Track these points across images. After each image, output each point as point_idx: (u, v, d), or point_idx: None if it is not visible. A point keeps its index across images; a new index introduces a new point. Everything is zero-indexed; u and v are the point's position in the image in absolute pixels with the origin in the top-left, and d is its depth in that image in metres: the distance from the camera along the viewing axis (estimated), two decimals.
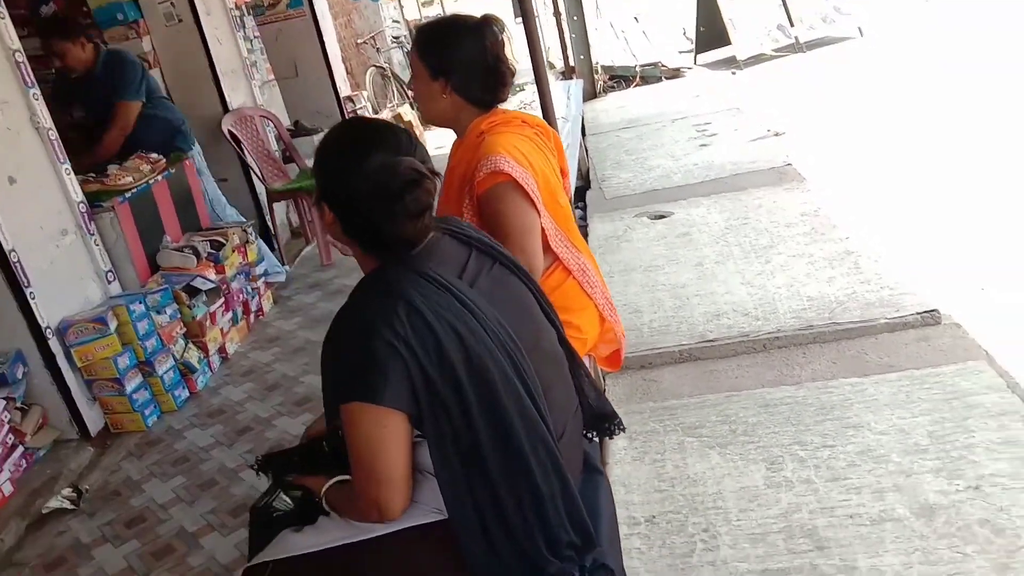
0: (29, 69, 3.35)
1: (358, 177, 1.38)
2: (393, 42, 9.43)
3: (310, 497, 1.57)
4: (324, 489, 1.54)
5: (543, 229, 2.03)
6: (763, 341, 3.07)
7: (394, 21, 9.80)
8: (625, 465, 2.53)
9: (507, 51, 2.09)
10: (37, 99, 3.37)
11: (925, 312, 3.01)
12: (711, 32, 9.13)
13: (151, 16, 4.88)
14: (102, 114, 4.17)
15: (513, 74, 2.10)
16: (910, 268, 3.45)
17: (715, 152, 5.62)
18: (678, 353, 3.11)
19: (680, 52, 9.64)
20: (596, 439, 1.75)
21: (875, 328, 3.02)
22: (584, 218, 4.89)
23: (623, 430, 1.76)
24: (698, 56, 9.45)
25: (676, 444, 2.59)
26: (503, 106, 2.13)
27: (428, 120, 2.20)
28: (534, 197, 1.95)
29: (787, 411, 2.65)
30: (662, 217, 4.59)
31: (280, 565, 1.50)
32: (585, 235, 4.42)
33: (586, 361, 1.99)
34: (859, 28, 9.03)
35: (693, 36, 9.59)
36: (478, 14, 2.10)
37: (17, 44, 3.32)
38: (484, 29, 2.03)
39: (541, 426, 1.39)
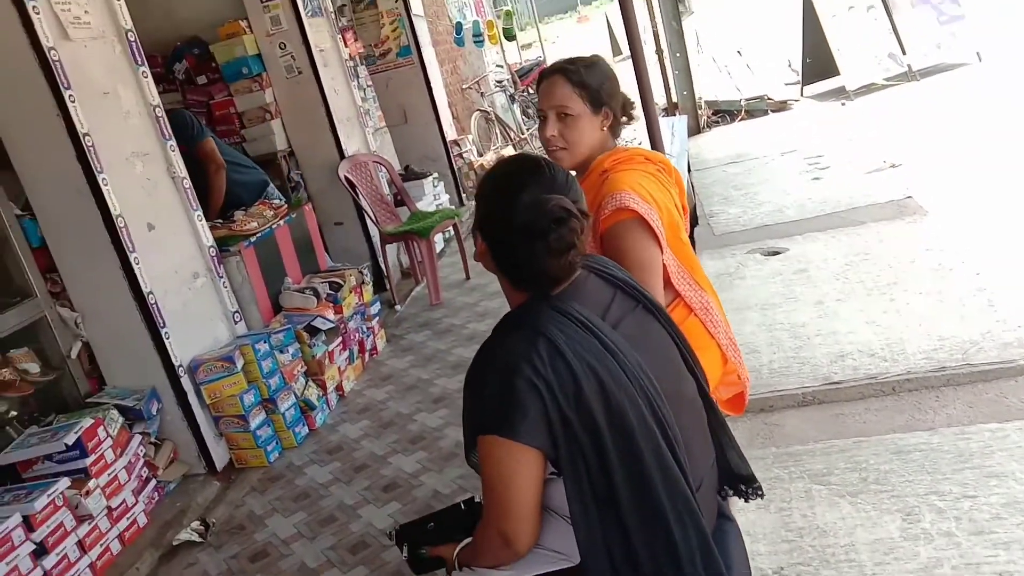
0: (167, 122, 3.59)
1: (509, 210, 1.41)
2: (496, 86, 9.63)
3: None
4: (455, 553, 1.56)
5: (665, 266, 2.01)
6: (892, 384, 2.92)
7: (497, 66, 10.02)
8: (749, 513, 2.43)
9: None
10: (173, 150, 3.60)
11: None
12: (818, 62, 8.89)
13: (273, 69, 5.16)
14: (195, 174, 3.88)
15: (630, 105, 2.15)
16: None
17: (829, 185, 5.44)
18: (801, 396, 3.00)
19: (786, 84, 9.45)
20: (730, 496, 1.69)
21: (1015, 370, 2.83)
22: None
23: (762, 496, 1.69)
24: (805, 88, 9.22)
25: (803, 492, 2.48)
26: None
27: (573, 161, 2.12)
28: (659, 233, 1.94)
29: (921, 458, 2.50)
30: (776, 253, 4.46)
31: None
32: None
33: None
34: (977, 54, 8.63)
35: (799, 67, 9.39)
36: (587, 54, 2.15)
37: (157, 99, 3.57)
38: (606, 64, 2.11)
39: (679, 476, 1.36)
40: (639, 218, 1.91)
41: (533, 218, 1.39)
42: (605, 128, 2.07)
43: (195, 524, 3.16)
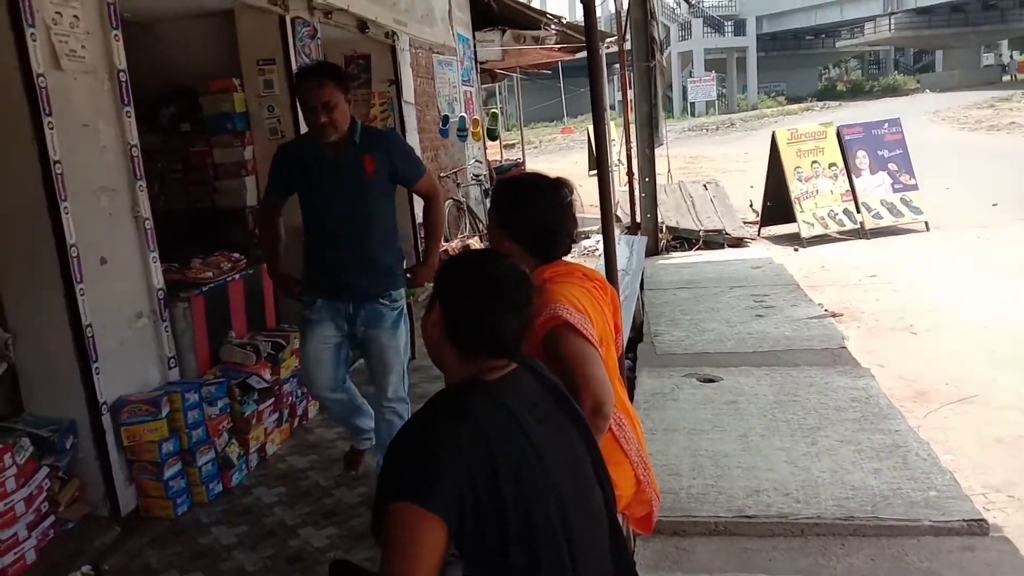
0: (141, 163, 3.64)
1: (472, 275, 1.57)
2: (473, 179, 9.90)
3: None
4: None
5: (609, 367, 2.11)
6: (802, 526, 3.00)
7: (476, 161, 10.32)
8: None
9: (575, 210, 2.27)
10: (142, 191, 3.63)
11: (972, 520, 2.92)
12: (777, 207, 9.37)
13: (257, 128, 5.26)
14: (350, 198, 3.18)
15: (571, 234, 2.27)
16: (962, 470, 3.37)
17: (770, 324, 5.66)
18: (713, 525, 3.05)
19: (745, 222, 9.88)
20: None
21: (918, 529, 2.93)
22: (633, 370, 4.92)
23: None
24: (762, 229, 9.67)
25: None
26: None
27: None
28: (593, 340, 2.03)
29: None
30: (711, 381, 4.59)
31: None
32: (631, 387, 4.44)
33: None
34: (926, 223, 9.17)
35: (760, 209, 9.86)
36: (557, 170, 2.31)
37: (135, 140, 3.63)
38: (551, 192, 2.23)
39: None
40: (574, 327, 2.01)
41: (491, 275, 1.54)
42: (508, 245, 2.19)
43: (86, 568, 3.04)
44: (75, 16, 3.30)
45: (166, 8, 4.71)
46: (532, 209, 2.19)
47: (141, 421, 3.38)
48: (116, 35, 3.52)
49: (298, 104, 3.33)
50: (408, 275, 3.42)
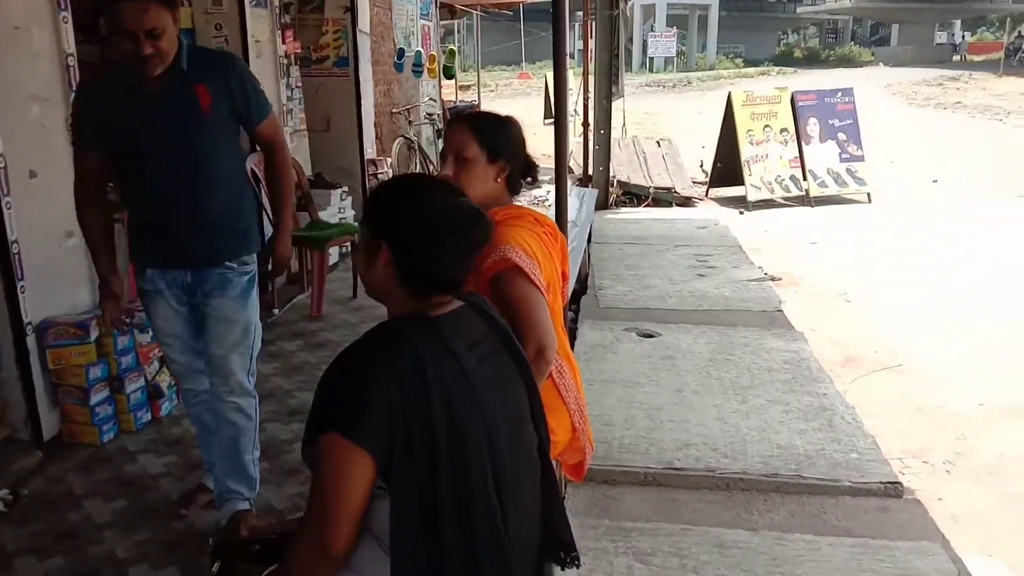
0: (77, 73, 3.45)
1: (424, 211, 1.48)
2: (426, 118, 9.70)
3: None
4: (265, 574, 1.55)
5: (553, 311, 2.10)
6: (727, 480, 3.09)
7: (430, 99, 10.10)
8: None
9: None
10: None
11: (888, 483, 3.04)
12: (727, 169, 9.45)
13: (202, 45, 5.04)
14: (181, 140, 2.49)
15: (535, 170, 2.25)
16: (884, 435, 3.50)
17: (711, 284, 5.75)
18: (643, 475, 3.12)
19: (695, 182, 9.95)
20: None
21: (838, 489, 3.04)
22: (575, 321, 4.96)
23: (577, 566, 1.72)
24: (711, 190, 9.76)
25: (624, 568, 2.58)
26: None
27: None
28: (540, 285, 2.01)
29: (740, 555, 2.64)
30: (650, 336, 4.66)
31: None
32: (573, 338, 4.47)
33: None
34: (868, 194, 9.37)
35: (709, 170, 9.93)
36: (512, 114, 2.26)
37: (72, 48, 3.43)
38: (520, 127, 2.22)
39: (499, 520, 1.40)
40: (522, 271, 1.99)
41: (450, 215, 1.48)
42: (500, 180, 2.15)
43: (3, 492, 2.96)
44: None
45: None
46: (518, 141, 2.20)
47: (68, 344, 3.27)
48: None
49: (105, 26, 2.43)
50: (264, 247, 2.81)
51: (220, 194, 2.57)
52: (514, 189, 2.20)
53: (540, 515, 1.63)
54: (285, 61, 5.77)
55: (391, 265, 1.48)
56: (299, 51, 6.34)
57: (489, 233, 1.53)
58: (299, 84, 6.24)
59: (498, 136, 2.15)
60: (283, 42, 5.71)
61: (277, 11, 5.62)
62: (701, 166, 10.80)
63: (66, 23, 3.38)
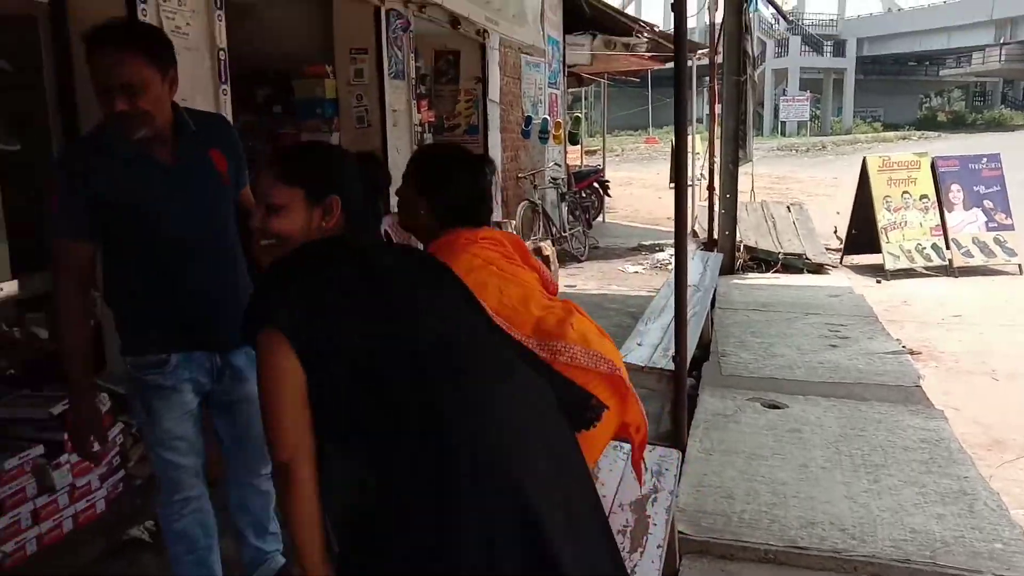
0: None
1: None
2: (550, 182, 9.92)
3: None
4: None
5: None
6: (854, 563, 2.91)
7: (555, 164, 10.33)
8: None
9: (491, 191, 2.35)
10: None
11: None
12: (863, 236, 9.09)
13: (345, 116, 5.41)
14: (205, 210, 2.28)
15: (488, 214, 2.32)
16: None
17: (843, 355, 5.49)
18: (763, 552, 2.98)
19: (828, 249, 9.61)
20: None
21: None
22: (696, 388, 4.85)
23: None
24: (845, 257, 9.39)
25: None
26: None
27: (404, 225, 2.37)
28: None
29: None
30: (776, 407, 4.49)
31: None
32: (692, 405, 4.36)
33: None
34: (1019, 265, 8.76)
35: (844, 236, 9.58)
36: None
37: (230, 117, 3.75)
38: (477, 169, 2.28)
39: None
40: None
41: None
42: (423, 213, 2.22)
43: (149, 524, 3.17)
44: None
45: None
46: (457, 185, 2.23)
47: None
48: (219, 15, 3.66)
49: (91, 78, 2.10)
50: None
51: (238, 264, 2.38)
52: (450, 226, 2.22)
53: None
54: (419, 129, 6.08)
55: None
56: (433, 119, 6.67)
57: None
58: None
59: (429, 174, 2.25)
60: (418, 111, 6.03)
61: (414, 82, 5.95)
62: (835, 232, 10.44)
63: (225, 95, 3.71)
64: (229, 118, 3.72)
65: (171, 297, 2.24)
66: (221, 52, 3.67)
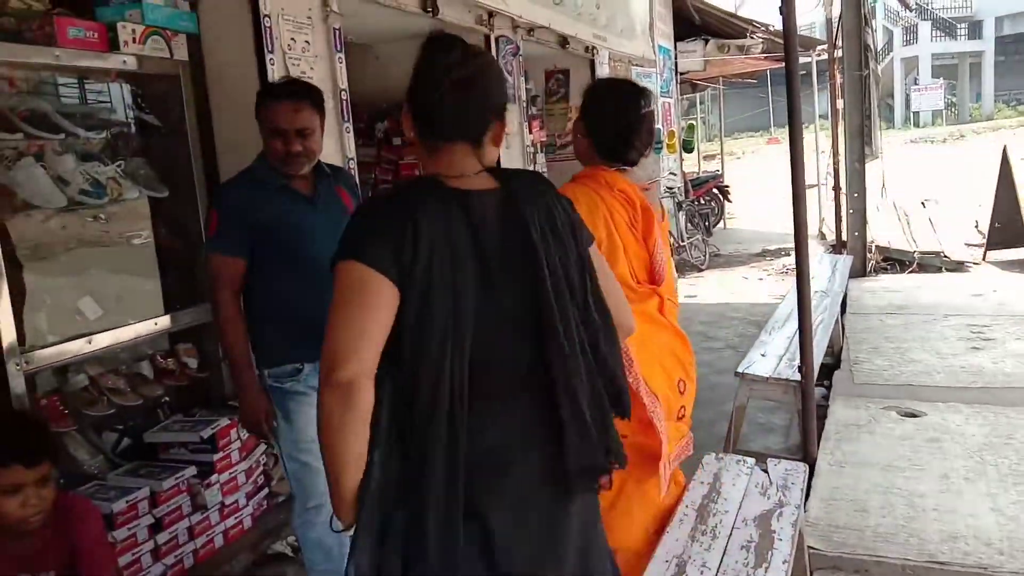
0: (357, 174, 3.95)
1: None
2: (666, 192, 9.82)
3: None
4: None
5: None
6: None
7: (671, 173, 10.23)
8: None
9: (651, 122, 2.42)
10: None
11: None
12: (1008, 230, 8.48)
13: None
14: (334, 240, 2.08)
15: (644, 143, 2.38)
16: None
17: (988, 359, 5.16)
18: (900, 568, 2.86)
19: (967, 245, 9.03)
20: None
21: None
22: (827, 398, 4.69)
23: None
24: (988, 252, 8.79)
25: None
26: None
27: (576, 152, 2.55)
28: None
29: None
30: (913, 416, 4.28)
31: None
32: (823, 416, 4.23)
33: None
34: None
35: (986, 230, 8.98)
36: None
37: (352, 153, 3.97)
38: (632, 97, 2.38)
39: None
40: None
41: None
42: (580, 136, 2.41)
43: (291, 539, 3.38)
44: (307, 41, 3.69)
45: (383, 31, 5.10)
46: (611, 110, 2.35)
47: None
48: (340, 57, 3.88)
49: (260, 125, 2.63)
50: None
51: None
52: (606, 154, 2.38)
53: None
54: (532, 149, 6.19)
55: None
56: (544, 139, 6.77)
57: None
58: (545, 169, 6.65)
59: (588, 100, 2.46)
60: (530, 132, 6.14)
61: (524, 105, 6.07)
62: (976, 227, 9.79)
63: (348, 132, 3.94)
64: (352, 153, 3.95)
65: (305, 311, 2.38)
66: (343, 92, 3.90)
